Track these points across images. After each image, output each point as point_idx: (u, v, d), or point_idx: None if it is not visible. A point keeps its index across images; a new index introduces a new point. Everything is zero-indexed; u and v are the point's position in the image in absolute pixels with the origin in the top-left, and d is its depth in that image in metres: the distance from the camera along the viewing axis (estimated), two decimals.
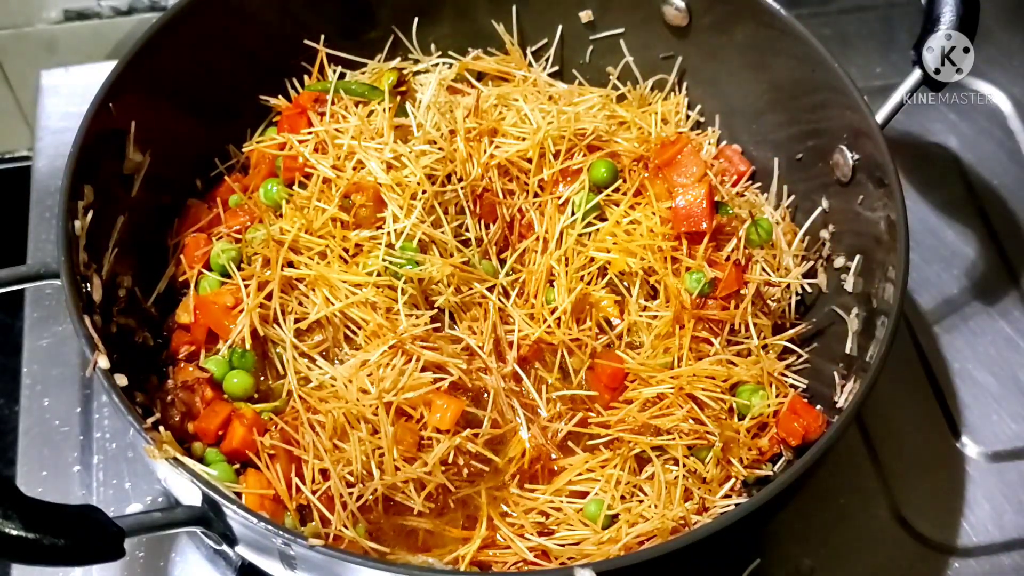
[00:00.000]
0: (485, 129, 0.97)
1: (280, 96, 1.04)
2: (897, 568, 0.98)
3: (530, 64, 1.13)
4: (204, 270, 0.96)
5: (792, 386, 0.95)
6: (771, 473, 0.90)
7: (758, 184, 1.08)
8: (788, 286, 0.99)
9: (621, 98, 1.11)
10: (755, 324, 0.95)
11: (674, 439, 0.88)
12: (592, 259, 0.94)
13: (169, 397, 0.88)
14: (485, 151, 0.96)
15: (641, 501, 0.87)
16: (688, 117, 1.11)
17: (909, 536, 0.99)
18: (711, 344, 0.93)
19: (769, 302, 0.98)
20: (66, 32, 1.42)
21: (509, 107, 1.03)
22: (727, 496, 0.89)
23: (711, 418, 0.89)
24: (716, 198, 0.98)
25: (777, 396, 0.92)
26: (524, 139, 0.97)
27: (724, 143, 1.10)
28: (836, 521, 0.99)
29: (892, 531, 0.99)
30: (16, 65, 1.45)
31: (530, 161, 0.97)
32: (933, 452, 1.05)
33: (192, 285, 0.94)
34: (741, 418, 0.92)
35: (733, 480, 0.89)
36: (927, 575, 0.98)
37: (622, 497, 0.87)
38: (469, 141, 0.96)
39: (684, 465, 0.88)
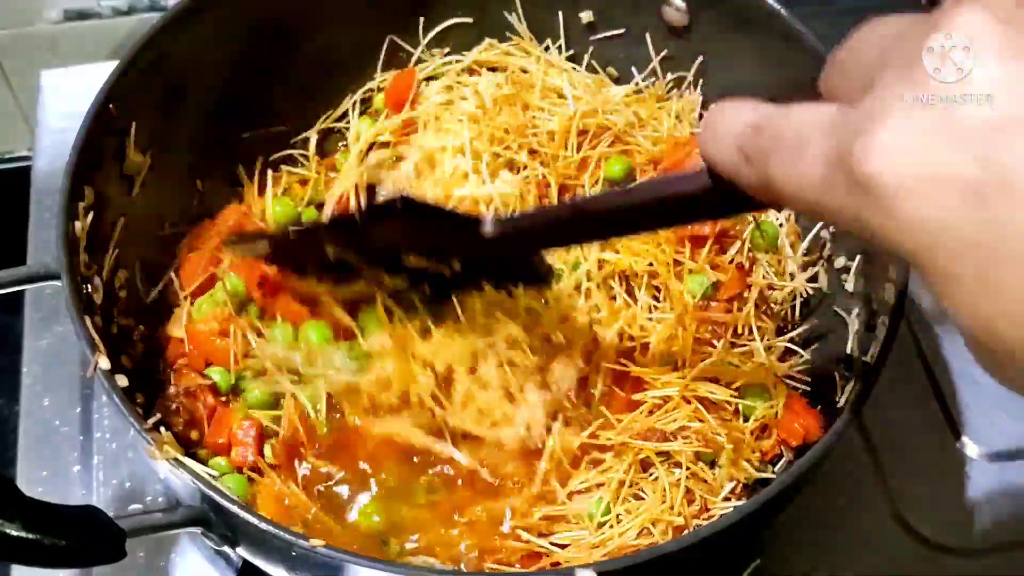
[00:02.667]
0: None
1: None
2: (897, 568, 0.98)
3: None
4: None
5: (794, 388, 0.95)
6: (771, 475, 0.90)
7: None
8: (792, 290, 0.99)
9: (636, 93, 1.11)
10: (758, 327, 0.94)
11: (688, 440, 0.87)
12: (600, 264, 0.94)
13: (173, 405, 0.88)
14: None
15: (642, 499, 0.87)
16: (701, 116, 1.11)
17: (909, 536, 0.99)
18: (714, 347, 0.93)
19: (772, 305, 0.98)
20: (66, 32, 1.42)
21: (530, 90, 1.03)
22: (727, 499, 0.88)
23: (717, 420, 0.89)
24: None
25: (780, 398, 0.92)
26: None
27: None
28: (836, 521, 0.99)
29: (892, 531, 0.99)
30: (16, 65, 1.45)
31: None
32: (933, 452, 1.05)
33: (188, 304, 0.94)
34: (745, 420, 0.92)
35: (734, 483, 0.89)
36: (927, 575, 0.98)
37: (624, 499, 0.87)
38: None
39: (688, 468, 0.87)
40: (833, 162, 0.49)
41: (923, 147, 0.45)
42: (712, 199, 0.61)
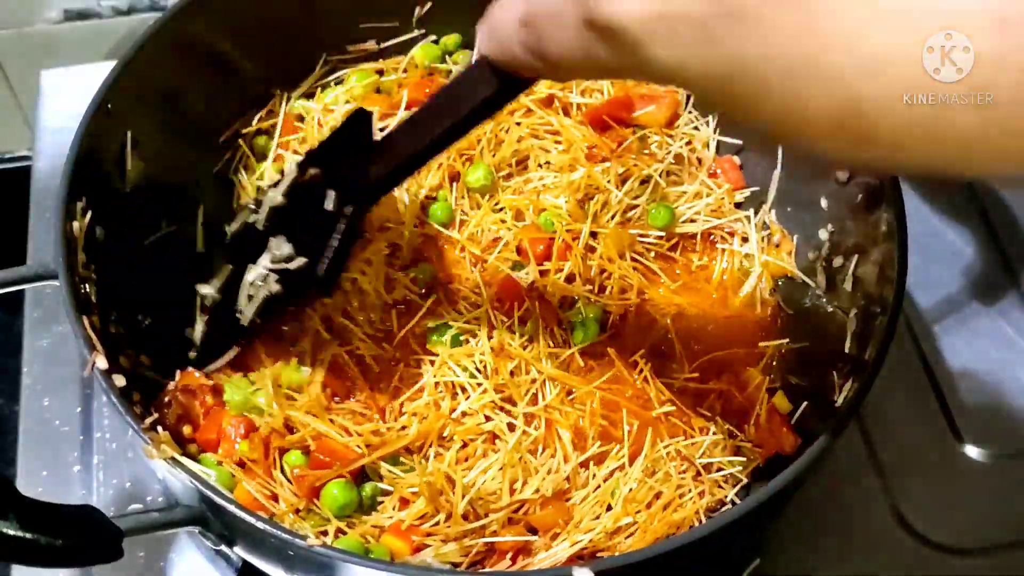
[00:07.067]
0: None
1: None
2: (897, 568, 0.98)
3: None
4: None
5: (790, 385, 0.95)
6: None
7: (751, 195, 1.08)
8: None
9: None
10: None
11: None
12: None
13: (167, 399, 0.88)
14: None
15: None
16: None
17: (909, 536, 0.99)
18: None
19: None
20: (66, 32, 1.42)
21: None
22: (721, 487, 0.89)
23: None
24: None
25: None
26: None
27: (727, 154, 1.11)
28: (836, 521, 0.99)
29: (892, 531, 0.99)
30: (16, 65, 1.45)
31: None
32: (933, 452, 1.04)
33: None
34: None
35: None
36: (927, 575, 0.97)
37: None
38: None
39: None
40: (581, 21, 0.51)
41: None
42: (501, 93, 0.67)
